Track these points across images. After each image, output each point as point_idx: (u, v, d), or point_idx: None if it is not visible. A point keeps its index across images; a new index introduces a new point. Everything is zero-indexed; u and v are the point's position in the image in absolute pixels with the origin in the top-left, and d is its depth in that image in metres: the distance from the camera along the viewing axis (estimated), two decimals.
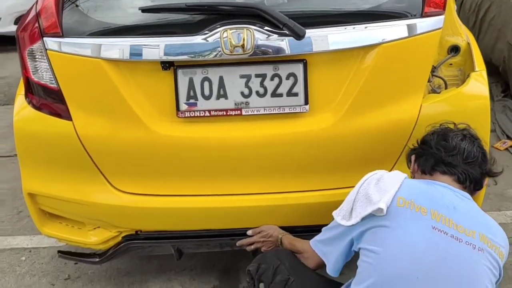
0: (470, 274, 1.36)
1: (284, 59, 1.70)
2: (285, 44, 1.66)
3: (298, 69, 1.70)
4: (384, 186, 1.47)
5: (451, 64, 1.93)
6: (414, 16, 1.71)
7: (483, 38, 4.49)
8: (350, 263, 1.58)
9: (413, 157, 1.65)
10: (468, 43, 1.93)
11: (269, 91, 1.72)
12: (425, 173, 1.60)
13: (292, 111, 1.73)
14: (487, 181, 1.65)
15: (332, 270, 1.57)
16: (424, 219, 1.39)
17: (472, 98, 1.84)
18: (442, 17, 1.73)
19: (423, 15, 1.72)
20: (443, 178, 1.55)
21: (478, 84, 1.84)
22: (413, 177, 1.65)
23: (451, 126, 1.67)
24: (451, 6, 1.95)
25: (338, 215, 1.52)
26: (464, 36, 1.95)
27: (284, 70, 1.71)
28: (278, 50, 1.66)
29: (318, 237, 1.61)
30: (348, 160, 1.77)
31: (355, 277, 1.44)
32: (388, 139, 1.78)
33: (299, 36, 1.62)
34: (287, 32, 1.63)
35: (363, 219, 1.44)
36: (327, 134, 1.74)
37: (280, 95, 1.72)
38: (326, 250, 1.57)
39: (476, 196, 1.61)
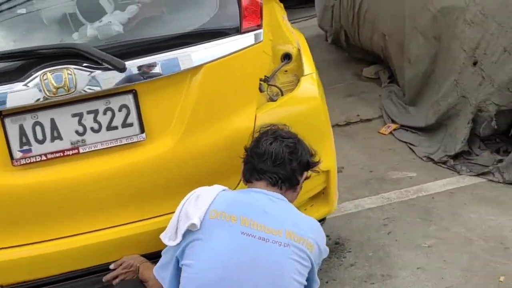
0: (277, 269, 1.46)
1: (114, 92, 1.72)
2: (110, 77, 1.69)
3: (128, 100, 1.74)
4: (201, 201, 1.56)
5: (286, 71, 2.04)
6: (233, 34, 1.79)
7: (362, 31, 4.76)
8: None
9: (242, 167, 1.74)
10: (299, 49, 2.05)
11: (104, 126, 1.74)
12: (247, 182, 1.71)
13: (130, 142, 1.76)
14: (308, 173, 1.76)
15: None
16: (234, 227, 1.48)
17: (303, 101, 1.95)
18: (260, 31, 1.83)
19: (242, 31, 1.80)
20: (259, 184, 1.66)
21: (308, 86, 1.96)
22: (247, 186, 1.73)
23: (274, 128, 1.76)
24: (279, 17, 2.06)
25: (165, 237, 1.58)
26: (295, 43, 2.06)
27: (115, 103, 1.73)
28: (104, 84, 1.69)
29: (158, 262, 1.65)
30: (194, 180, 1.80)
31: None
32: (229, 153, 1.83)
33: (119, 69, 1.65)
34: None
35: (183, 236, 1.52)
36: (169, 158, 1.78)
37: (116, 127, 1.75)
38: (163, 275, 1.61)
39: (297, 191, 1.72)
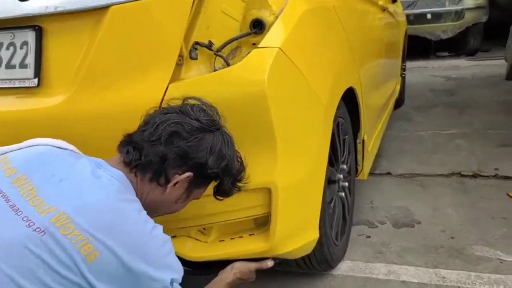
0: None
1: (18, 26, 1.49)
2: (11, 5, 1.46)
3: (30, 36, 1.47)
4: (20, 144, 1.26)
5: (254, 43, 1.48)
6: None
7: None
8: None
9: None
10: (277, 17, 1.47)
11: (4, 62, 1.52)
12: None
13: (22, 85, 1.49)
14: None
15: None
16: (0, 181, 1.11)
17: (239, 81, 1.37)
18: None
19: None
20: (115, 158, 1.24)
21: (256, 62, 1.38)
22: None
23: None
24: None
25: None
26: (275, 10, 1.49)
27: (19, 38, 1.50)
28: (4, 11, 1.46)
29: None
30: (87, 143, 1.42)
31: None
32: (123, 125, 1.39)
33: None
34: None
35: None
36: (55, 114, 1.44)
37: (14, 66, 1.51)
38: None
39: (169, 195, 1.22)
